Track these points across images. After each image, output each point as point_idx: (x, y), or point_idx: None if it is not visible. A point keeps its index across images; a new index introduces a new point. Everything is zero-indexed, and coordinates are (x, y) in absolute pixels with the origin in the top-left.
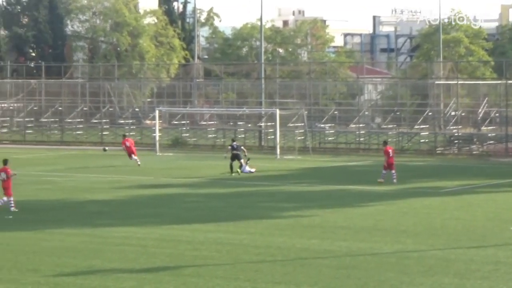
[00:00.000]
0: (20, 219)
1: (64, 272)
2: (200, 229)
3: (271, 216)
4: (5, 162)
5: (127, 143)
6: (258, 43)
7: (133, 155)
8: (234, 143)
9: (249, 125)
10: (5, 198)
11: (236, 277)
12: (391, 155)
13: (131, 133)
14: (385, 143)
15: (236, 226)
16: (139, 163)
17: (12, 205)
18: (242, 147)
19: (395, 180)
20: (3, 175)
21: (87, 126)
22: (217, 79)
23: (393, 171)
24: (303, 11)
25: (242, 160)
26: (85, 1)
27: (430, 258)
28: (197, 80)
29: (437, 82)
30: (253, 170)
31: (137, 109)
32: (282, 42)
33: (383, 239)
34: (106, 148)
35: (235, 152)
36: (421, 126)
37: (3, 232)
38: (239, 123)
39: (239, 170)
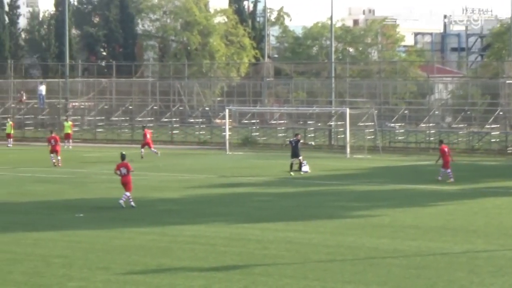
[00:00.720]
0: (91, 218)
1: (134, 270)
2: (269, 228)
3: (341, 216)
4: (123, 157)
5: (148, 135)
6: (328, 42)
7: (152, 148)
8: (293, 138)
9: (319, 124)
10: (127, 193)
11: (305, 276)
12: (447, 153)
13: (201, 132)
14: (441, 142)
15: (306, 225)
16: (159, 154)
17: (131, 200)
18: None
19: (452, 179)
20: (124, 170)
21: (157, 125)
22: (287, 78)
23: (449, 170)
24: (374, 10)
25: (301, 158)
26: (156, 0)
27: (501, 258)
28: (267, 79)
29: (508, 81)
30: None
31: (207, 108)
32: (352, 41)
33: (453, 239)
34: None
35: (294, 148)
36: (492, 126)
37: (74, 230)
38: (309, 122)
39: (292, 173)
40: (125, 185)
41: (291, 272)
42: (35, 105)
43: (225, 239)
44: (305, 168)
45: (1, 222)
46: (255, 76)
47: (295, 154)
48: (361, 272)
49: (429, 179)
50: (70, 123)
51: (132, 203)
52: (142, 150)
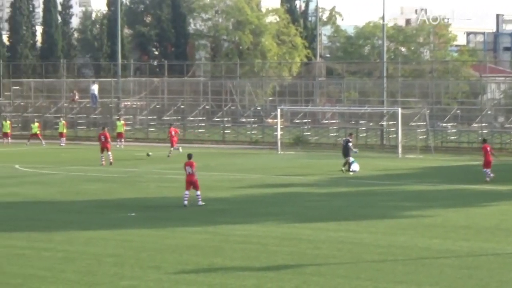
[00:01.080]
0: (143, 217)
1: (186, 270)
2: (321, 227)
3: (393, 215)
4: (190, 156)
5: (173, 132)
6: (380, 41)
7: (175, 145)
8: (345, 138)
9: (371, 124)
10: (198, 192)
11: (357, 276)
12: (488, 153)
13: (253, 132)
14: (484, 140)
15: (358, 225)
16: (181, 150)
17: (199, 199)
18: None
19: (488, 179)
20: (189, 169)
21: (208, 124)
22: (338, 78)
23: (488, 170)
24: (426, 10)
25: (349, 158)
26: (208, 0)
27: None
28: (319, 79)
29: None
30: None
31: (258, 108)
32: (405, 41)
33: (506, 239)
34: (150, 153)
35: (344, 148)
36: None
37: (126, 229)
38: (360, 122)
39: (343, 169)
40: (191, 183)
41: (343, 272)
42: (87, 105)
43: (276, 239)
44: (354, 167)
45: (54, 221)
46: (307, 76)
47: (345, 154)
48: (413, 272)
49: (481, 179)
50: (122, 122)
51: (200, 202)
52: (176, 147)
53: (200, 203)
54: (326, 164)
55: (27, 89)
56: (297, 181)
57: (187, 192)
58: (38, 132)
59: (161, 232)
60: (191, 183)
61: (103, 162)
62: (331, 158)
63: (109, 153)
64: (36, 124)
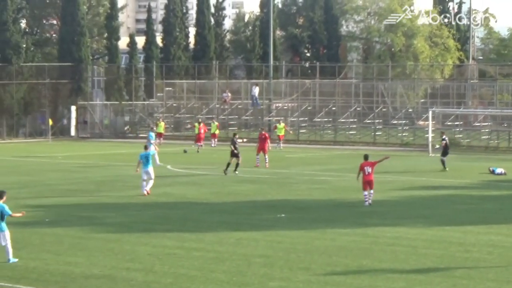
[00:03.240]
0: (293, 218)
1: (335, 271)
2: (471, 230)
3: None
4: (366, 157)
5: (202, 131)
6: None
7: (199, 143)
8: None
9: None
10: (371, 191)
11: (508, 280)
12: None
13: (404, 134)
14: None
15: (509, 229)
16: (198, 150)
17: (367, 199)
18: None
19: None
20: (369, 169)
21: (360, 126)
22: (491, 80)
23: None
24: None
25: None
26: (360, 2)
27: None
28: (471, 81)
29: None
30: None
31: (410, 110)
32: None
33: None
34: (187, 149)
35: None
36: None
37: (276, 230)
38: None
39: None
40: (368, 183)
41: (493, 275)
42: (239, 106)
43: (426, 241)
44: (499, 170)
45: (205, 221)
46: (459, 78)
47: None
48: None
49: None
50: (282, 125)
51: (369, 202)
52: (199, 144)
53: (368, 203)
54: (478, 167)
55: (180, 90)
56: (448, 183)
57: (366, 192)
58: (162, 132)
59: (311, 233)
60: (368, 183)
61: (258, 164)
62: (483, 161)
63: (266, 156)
64: (162, 123)
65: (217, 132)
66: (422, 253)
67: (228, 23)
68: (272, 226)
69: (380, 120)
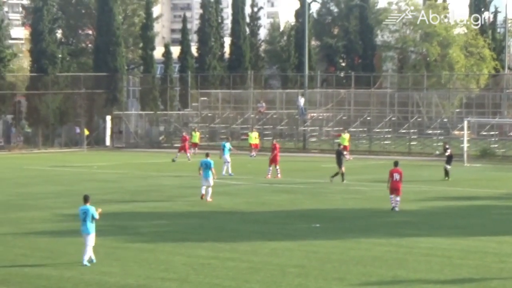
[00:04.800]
0: (327, 228)
1: (369, 281)
2: (507, 241)
3: None
4: (396, 163)
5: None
6: None
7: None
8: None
9: None
10: (398, 198)
11: None
12: None
13: (439, 144)
14: None
15: None
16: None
17: (393, 202)
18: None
19: None
20: (397, 176)
21: (395, 136)
22: None
23: None
24: None
25: None
26: (396, 11)
27: None
28: (507, 91)
29: None
30: None
31: (445, 120)
32: None
33: None
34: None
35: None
36: None
37: (310, 240)
38: None
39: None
40: (396, 190)
41: None
42: (274, 115)
43: (461, 252)
44: None
45: (239, 231)
46: (494, 88)
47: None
48: None
49: None
50: (198, 133)
51: (397, 208)
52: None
53: (397, 209)
54: None
55: (215, 100)
56: (483, 194)
57: (392, 196)
58: (197, 142)
59: (346, 243)
60: (395, 190)
61: (269, 176)
62: None
63: (277, 167)
64: (198, 133)
65: (258, 142)
66: (457, 263)
67: (263, 33)
68: (307, 236)
69: (415, 130)
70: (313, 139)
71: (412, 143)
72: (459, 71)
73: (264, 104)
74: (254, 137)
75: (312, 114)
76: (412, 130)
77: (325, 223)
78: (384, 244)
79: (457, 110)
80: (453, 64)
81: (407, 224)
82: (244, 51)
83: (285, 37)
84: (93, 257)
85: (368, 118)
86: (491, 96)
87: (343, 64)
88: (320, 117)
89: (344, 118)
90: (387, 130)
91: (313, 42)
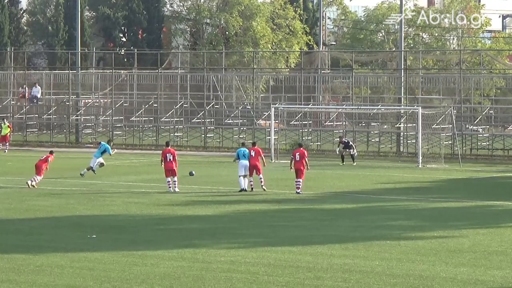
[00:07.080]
0: (106, 239)
1: None
2: (323, 252)
3: (410, 238)
4: (168, 143)
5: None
6: (397, 26)
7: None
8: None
9: (385, 126)
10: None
11: None
12: None
13: (241, 136)
14: None
15: (367, 250)
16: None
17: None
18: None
19: None
20: (170, 156)
21: (187, 127)
22: (346, 71)
23: None
24: None
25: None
26: None
27: None
28: (322, 72)
29: None
30: None
31: (248, 107)
32: (427, 26)
33: None
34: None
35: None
36: None
37: (85, 253)
38: (372, 124)
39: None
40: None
41: None
42: (40, 102)
43: (269, 266)
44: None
45: None
46: (307, 68)
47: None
48: None
49: None
50: (7, 124)
51: (176, 189)
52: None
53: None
54: (332, 176)
55: None
56: (294, 196)
57: (168, 179)
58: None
59: (128, 258)
60: (170, 171)
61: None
62: (338, 168)
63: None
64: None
65: (8, 133)
66: (263, 280)
67: (25, 1)
68: (81, 249)
69: (212, 120)
70: (88, 131)
71: (208, 135)
72: (264, 47)
73: (27, 88)
74: (6, 128)
75: (86, 101)
76: (208, 120)
77: (103, 233)
78: (175, 258)
79: (263, 95)
80: (257, 40)
81: (203, 233)
82: (2, 24)
83: (52, 6)
84: None
85: (155, 105)
86: (303, 78)
87: (124, 40)
88: (96, 104)
89: (125, 105)
90: (177, 119)
91: (86, 13)
